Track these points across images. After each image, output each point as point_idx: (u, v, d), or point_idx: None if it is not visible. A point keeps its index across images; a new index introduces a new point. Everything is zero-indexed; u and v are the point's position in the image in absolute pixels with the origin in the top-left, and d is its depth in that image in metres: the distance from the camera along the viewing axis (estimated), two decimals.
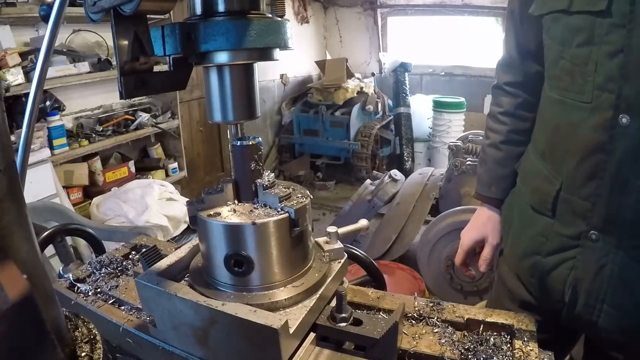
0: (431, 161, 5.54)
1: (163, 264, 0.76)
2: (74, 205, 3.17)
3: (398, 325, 0.67)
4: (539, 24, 1.00)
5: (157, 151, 4.14)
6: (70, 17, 2.92)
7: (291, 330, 0.64)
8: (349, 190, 5.24)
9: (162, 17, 2.57)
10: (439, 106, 5.29)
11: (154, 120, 3.87)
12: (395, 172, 3.85)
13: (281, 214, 0.69)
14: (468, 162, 3.27)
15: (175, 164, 4.16)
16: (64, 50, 3.14)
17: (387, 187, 3.69)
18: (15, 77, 2.68)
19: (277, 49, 0.72)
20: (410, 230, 3.35)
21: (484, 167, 1.27)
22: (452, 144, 3.48)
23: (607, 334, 0.95)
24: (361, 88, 5.68)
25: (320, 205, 5.12)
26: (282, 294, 0.70)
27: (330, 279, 0.77)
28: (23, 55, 2.79)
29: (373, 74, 6.20)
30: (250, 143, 0.73)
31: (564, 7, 0.87)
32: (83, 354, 0.49)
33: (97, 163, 3.48)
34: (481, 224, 1.26)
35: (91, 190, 3.40)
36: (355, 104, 5.48)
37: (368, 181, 4.07)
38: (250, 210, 0.71)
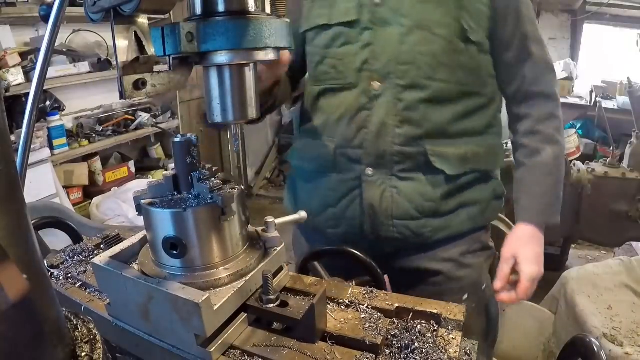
0: None
1: (117, 249, 0.84)
2: (74, 205, 3.16)
3: (315, 306, 0.73)
4: (303, 39, 1.29)
5: (157, 151, 4.14)
6: (70, 17, 2.91)
7: (215, 307, 0.70)
8: None
9: (162, 17, 2.57)
10: None
11: (154, 120, 3.86)
12: None
13: (210, 203, 0.74)
14: None
15: None
16: (64, 50, 3.14)
17: None
18: (15, 77, 2.67)
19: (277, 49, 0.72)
20: None
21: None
22: None
23: (404, 242, 1.22)
24: None
25: None
26: (213, 275, 0.77)
27: (262, 264, 0.82)
28: (23, 55, 2.79)
29: None
30: (185, 140, 0.78)
31: (324, 22, 1.21)
32: (83, 354, 0.49)
33: (97, 163, 3.47)
34: None
35: (91, 190, 3.39)
36: None
37: None
38: (185, 200, 0.77)
